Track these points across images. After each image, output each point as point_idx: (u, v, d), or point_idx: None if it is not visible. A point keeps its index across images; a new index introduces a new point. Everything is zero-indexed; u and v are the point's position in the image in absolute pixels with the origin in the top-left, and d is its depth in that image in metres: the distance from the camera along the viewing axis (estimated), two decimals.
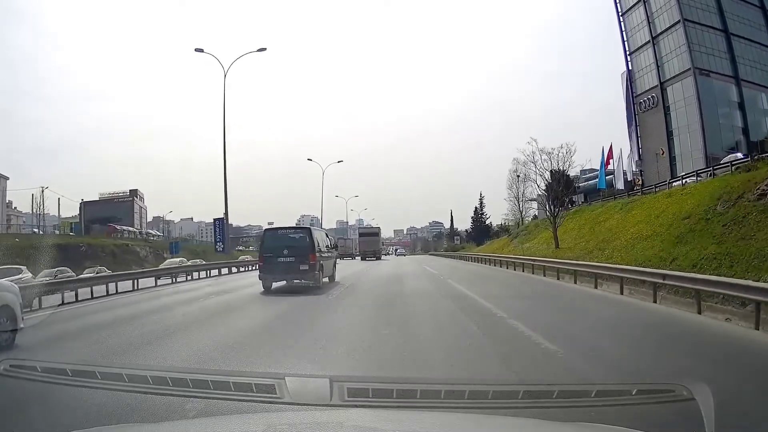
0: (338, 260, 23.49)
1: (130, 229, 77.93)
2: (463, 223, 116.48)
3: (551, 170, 33.69)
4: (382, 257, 61.17)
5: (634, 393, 3.84)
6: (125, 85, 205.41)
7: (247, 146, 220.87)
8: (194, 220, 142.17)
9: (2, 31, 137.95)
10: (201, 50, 41.86)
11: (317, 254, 17.81)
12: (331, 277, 20.53)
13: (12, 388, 4.60)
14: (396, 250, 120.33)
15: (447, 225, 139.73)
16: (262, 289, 17.32)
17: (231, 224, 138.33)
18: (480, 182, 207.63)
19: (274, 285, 17.71)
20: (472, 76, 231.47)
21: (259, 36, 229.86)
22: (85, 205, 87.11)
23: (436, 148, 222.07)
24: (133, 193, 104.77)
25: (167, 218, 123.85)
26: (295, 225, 29.62)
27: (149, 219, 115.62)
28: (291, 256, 17.31)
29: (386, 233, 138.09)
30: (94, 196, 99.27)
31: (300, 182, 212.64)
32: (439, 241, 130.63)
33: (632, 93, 56.72)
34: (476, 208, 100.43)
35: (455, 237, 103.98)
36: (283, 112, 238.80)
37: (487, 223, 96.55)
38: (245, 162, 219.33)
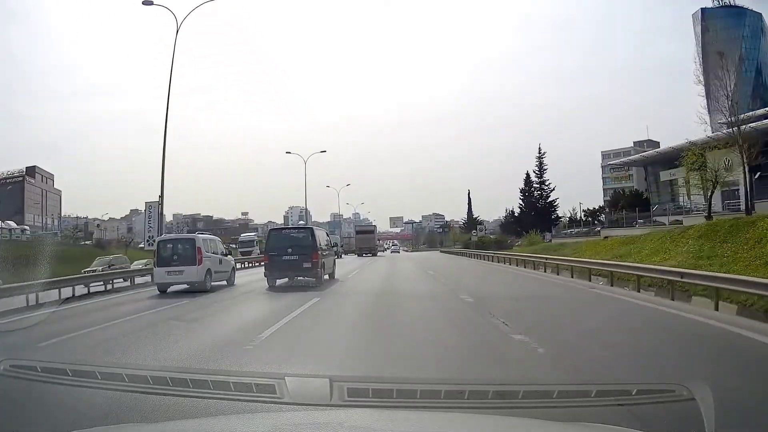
0: (341, 257, 23.68)
1: None
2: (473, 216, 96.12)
3: None
4: (378, 254, 62.88)
5: (634, 393, 3.85)
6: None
7: (235, 137, 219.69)
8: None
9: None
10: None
11: (319, 252, 18.19)
12: (331, 275, 20.73)
13: (12, 388, 4.61)
14: (392, 243, 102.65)
15: (449, 217, 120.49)
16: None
17: (211, 216, 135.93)
18: (484, 177, 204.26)
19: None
20: (470, 65, 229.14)
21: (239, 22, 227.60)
22: None
23: (435, 140, 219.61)
24: (30, 171, 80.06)
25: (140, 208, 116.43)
26: (283, 221, 30.06)
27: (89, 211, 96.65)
28: (295, 255, 17.81)
29: (383, 225, 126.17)
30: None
31: (291, 174, 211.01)
32: (446, 234, 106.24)
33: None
34: (527, 176, 62.92)
35: (477, 226, 69.19)
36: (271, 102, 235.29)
37: (549, 200, 62.07)
38: (237, 154, 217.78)
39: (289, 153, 60.26)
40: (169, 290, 17.19)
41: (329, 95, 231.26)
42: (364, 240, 63.90)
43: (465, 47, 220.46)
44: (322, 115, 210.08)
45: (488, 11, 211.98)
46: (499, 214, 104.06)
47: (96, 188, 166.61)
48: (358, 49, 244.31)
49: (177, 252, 17.71)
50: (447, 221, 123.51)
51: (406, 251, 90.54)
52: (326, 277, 19.43)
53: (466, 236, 72.08)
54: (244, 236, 65.93)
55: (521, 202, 64.41)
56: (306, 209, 48.27)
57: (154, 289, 17.84)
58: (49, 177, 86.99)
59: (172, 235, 22.57)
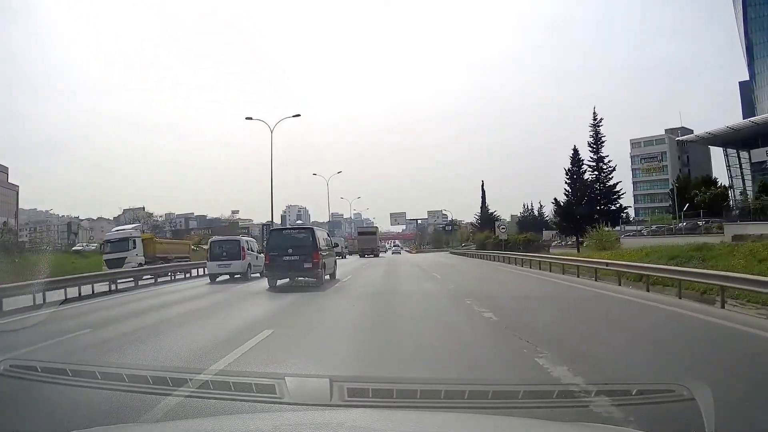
0: (345, 257, 23.94)
1: None
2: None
3: None
4: (380, 254, 63.40)
5: (634, 393, 3.84)
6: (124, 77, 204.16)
7: (234, 137, 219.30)
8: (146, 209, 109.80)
9: None
10: None
11: (320, 253, 18.17)
12: (332, 275, 20.70)
13: (12, 388, 4.61)
14: (393, 244, 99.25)
15: (453, 216, 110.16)
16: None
17: (205, 216, 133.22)
18: (488, 176, 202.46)
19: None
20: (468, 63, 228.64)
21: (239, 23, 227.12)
22: None
23: (434, 138, 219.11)
24: None
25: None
26: (280, 221, 31.00)
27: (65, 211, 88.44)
28: (295, 255, 17.80)
29: (384, 223, 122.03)
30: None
31: (290, 173, 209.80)
32: (453, 233, 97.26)
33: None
34: (574, 153, 45.04)
35: (496, 222, 53.43)
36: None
37: (609, 183, 43.84)
38: (237, 154, 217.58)
39: (250, 119, 42.33)
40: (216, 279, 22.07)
41: (329, 95, 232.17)
42: (366, 241, 64.40)
43: (466, 47, 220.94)
44: (322, 114, 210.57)
45: (488, 11, 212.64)
46: (509, 212, 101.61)
47: (93, 187, 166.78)
48: (358, 49, 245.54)
49: (225, 250, 23.11)
50: (453, 219, 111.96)
51: (409, 252, 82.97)
52: (327, 277, 19.40)
53: (482, 235, 60.12)
54: (115, 232, 34.26)
55: (567, 188, 45.11)
56: (273, 197, 42.46)
57: None
58: (2, 171, 76.89)
59: (221, 237, 28.40)
